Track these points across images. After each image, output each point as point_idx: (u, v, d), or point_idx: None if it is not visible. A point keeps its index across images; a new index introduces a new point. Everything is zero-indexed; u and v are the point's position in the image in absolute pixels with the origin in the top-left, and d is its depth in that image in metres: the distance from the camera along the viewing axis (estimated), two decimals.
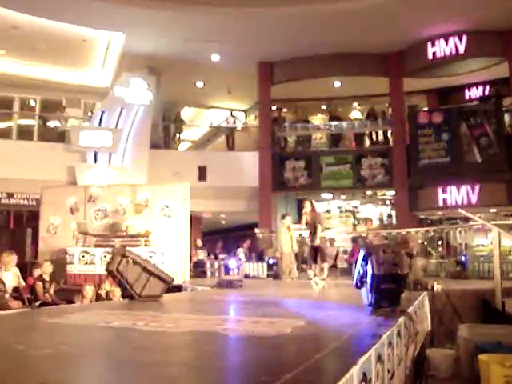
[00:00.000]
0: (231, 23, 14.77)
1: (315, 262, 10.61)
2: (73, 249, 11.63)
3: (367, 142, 18.08)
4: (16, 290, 8.60)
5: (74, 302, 8.71)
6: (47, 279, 9.24)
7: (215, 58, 17.09)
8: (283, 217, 12.33)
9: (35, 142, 17.23)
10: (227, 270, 12.04)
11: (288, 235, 11.68)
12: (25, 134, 18.23)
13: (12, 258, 9.05)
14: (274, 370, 2.20)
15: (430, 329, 6.30)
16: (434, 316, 6.76)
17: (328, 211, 18.66)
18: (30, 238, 15.99)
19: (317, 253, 10.51)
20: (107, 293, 9.01)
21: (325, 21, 14.38)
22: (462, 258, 12.30)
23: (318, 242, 10.28)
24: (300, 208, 18.45)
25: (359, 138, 18.00)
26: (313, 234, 10.41)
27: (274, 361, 2.46)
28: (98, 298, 8.93)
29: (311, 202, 10.88)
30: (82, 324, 3.82)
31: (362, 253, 4.44)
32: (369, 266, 4.23)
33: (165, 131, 18.89)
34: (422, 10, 13.86)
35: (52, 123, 18.80)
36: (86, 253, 11.36)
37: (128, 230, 11.80)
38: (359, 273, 4.49)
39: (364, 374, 2.32)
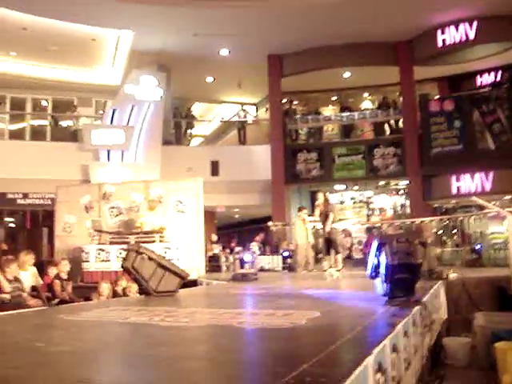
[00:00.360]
0: (239, 17, 14.74)
1: (329, 253, 10.69)
2: (88, 246, 11.71)
3: (388, 131, 17.97)
4: (34, 288, 8.69)
5: (91, 300, 8.79)
6: (65, 277, 9.31)
7: (224, 52, 17.08)
8: (299, 209, 12.40)
9: (48, 142, 17.38)
10: (242, 263, 12.15)
11: (303, 227, 11.72)
12: (38, 134, 18.41)
13: (29, 258, 9.13)
14: (289, 361, 2.23)
15: (446, 317, 6.30)
16: (450, 305, 6.76)
17: (341, 202, 18.63)
18: (46, 237, 16.13)
19: (330, 244, 10.61)
20: (124, 289, 9.08)
21: (333, 11, 14.30)
22: (477, 247, 12.23)
23: (328, 229, 10.43)
24: (313, 200, 18.52)
25: (379, 127, 17.90)
26: (323, 223, 10.61)
27: (290, 353, 2.49)
28: (115, 294, 8.99)
29: (324, 194, 11.02)
30: (100, 320, 3.87)
31: (375, 243, 4.45)
32: (383, 256, 4.24)
33: (176, 127, 18.93)
34: None
35: (64, 123, 18.92)
36: (102, 250, 11.43)
37: (142, 227, 11.85)
38: (373, 263, 4.51)
39: (379, 364, 2.33)
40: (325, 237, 10.77)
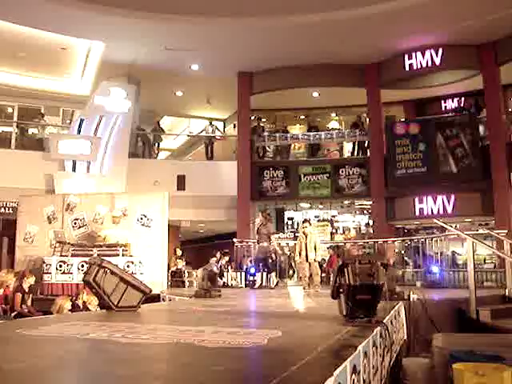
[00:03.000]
0: (211, 33, 14.82)
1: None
2: (50, 258, 11.53)
3: (351, 152, 18.26)
4: None
5: (50, 313, 8.62)
6: (27, 290, 9.13)
7: (195, 67, 17.14)
8: (303, 222, 11.83)
9: (12, 150, 17.04)
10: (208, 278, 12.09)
11: (303, 242, 10.96)
12: (2, 141, 18.05)
13: None
14: (249, 382, 2.23)
15: (405, 338, 6.38)
16: (410, 325, 6.85)
17: (306, 220, 18.70)
18: (6, 247, 15.76)
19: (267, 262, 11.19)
20: (84, 303, 8.94)
21: (304, 32, 14.51)
22: (438, 268, 12.44)
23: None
24: (279, 217, 18.63)
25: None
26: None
27: (250, 373, 2.49)
28: (75, 308, 8.85)
29: (266, 213, 11.59)
30: (58, 336, 3.80)
31: (338, 263, 4.50)
32: (345, 277, 4.28)
33: (144, 140, 18.82)
34: (399, 22, 14.09)
35: (30, 131, 18.61)
36: (64, 262, 11.26)
37: (106, 240, 11.72)
38: (335, 283, 4.55)
39: None
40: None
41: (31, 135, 18.18)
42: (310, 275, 10.75)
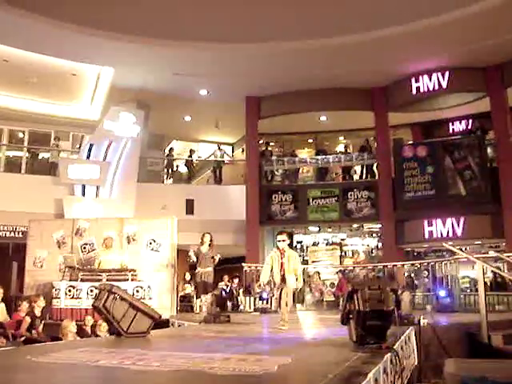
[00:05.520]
0: (218, 59, 14.98)
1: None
2: (59, 283, 11.52)
3: (358, 175, 18.30)
4: (0, 325, 8.50)
5: (59, 338, 8.61)
6: (38, 315, 9.12)
7: (203, 92, 17.31)
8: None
9: (23, 175, 17.19)
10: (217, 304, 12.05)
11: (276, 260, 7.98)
12: (13, 165, 18.22)
13: None
14: None
15: (416, 363, 6.32)
16: (421, 350, 6.78)
17: (315, 244, 18.71)
18: (16, 271, 15.79)
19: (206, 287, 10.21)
20: (92, 327, 8.94)
21: (312, 57, 14.65)
22: (447, 292, 12.34)
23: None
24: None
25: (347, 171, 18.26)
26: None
27: None
28: (83, 333, 8.84)
29: (210, 235, 10.61)
30: (69, 363, 3.81)
31: (348, 289, 4.50)
32: (354, 303, 4.28)
33: (188, 165, 19.27)
34: (406, 46, 14.20)
35: (40, 155, 18.79)
36: (73, 287, 11.24)
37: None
38: (345, 309, 4.54)
39: None
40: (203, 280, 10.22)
41: (41, 160, 18.35)
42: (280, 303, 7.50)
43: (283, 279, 7.33)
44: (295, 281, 7.35)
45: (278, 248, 7.60)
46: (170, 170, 19.68)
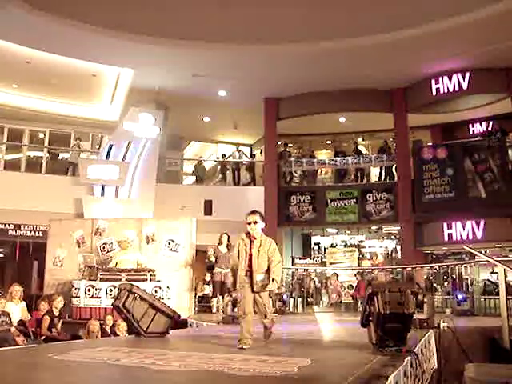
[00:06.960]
0: (238, 60, 15.02)
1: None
2: (79, 282, 11.63)
3: (376, 177, 18.21)
4: (21, 323, 8.59)
5: (78, 337, 8.69)
6: (57, 314, 9.21)
7: (222, 93, 17.35)
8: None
9: (43, 175, 17.40)
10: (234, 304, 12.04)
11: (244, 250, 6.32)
12: (33, 166, 18.46)
13: (18, 291, 9.08)
14: None
15: (436, 367, 6.26)
16: (441, 354, 6.72)
17: (333, 245, 18.65)
18: (36, 270, 15.98)
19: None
20: (112, 327, 8.99)
21: (330, 58, 14.61)
22: (461, 296, 12.17)
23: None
24: (305, 242, 18.53)
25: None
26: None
27: None
28: (103, 332, 8.90)
29: (228, 236, 11.22)
30: (90, 361, 3.84)
31: (367, 291, 4.48)
32: (374, 305, 4.26)
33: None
34: (426, 47, 14.10)
35: (60, 155, 18.99)
36: (92, 286, 11.34)
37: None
38: (365, 311, 4.52)
39: None
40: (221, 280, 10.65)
41: (61, 160, 18.55)
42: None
43: (250, 277, 4.95)
44: (266, 280, 4.94)
45: (246, 234, 5.12)
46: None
